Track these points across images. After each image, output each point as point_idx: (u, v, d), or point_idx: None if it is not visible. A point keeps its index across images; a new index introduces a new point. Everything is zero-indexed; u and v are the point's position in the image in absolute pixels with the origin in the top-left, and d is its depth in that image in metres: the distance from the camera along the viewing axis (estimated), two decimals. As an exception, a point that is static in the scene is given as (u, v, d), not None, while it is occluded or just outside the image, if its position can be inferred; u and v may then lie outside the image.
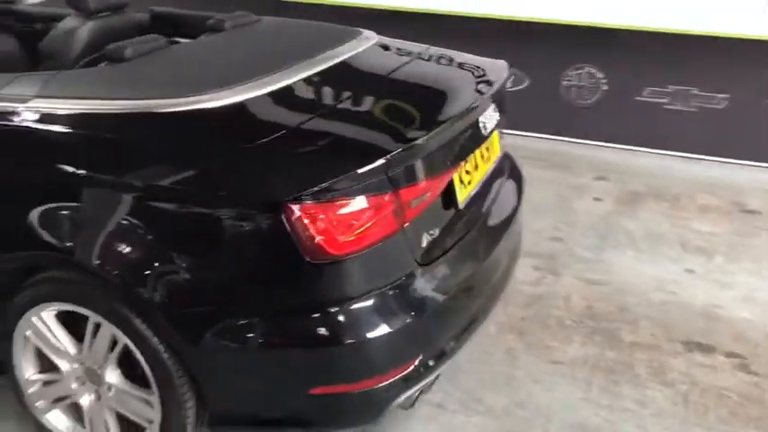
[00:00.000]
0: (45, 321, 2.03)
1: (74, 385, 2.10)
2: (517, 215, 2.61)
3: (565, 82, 4.92)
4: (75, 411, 2.17)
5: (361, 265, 1.81)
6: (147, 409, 2.00)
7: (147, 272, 1.84)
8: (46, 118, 1.98)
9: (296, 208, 1.72)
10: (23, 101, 2.01)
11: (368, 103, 2.21)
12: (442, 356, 2.06)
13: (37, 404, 2.17)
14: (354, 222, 1.77)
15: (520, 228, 2.71)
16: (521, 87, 5.02)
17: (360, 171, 1.76)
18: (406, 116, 2.16)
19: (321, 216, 1.73)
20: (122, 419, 2.09)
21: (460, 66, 2.60)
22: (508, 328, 2.92)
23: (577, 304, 3.11)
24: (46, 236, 1.92)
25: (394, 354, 1.91)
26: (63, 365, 2.09)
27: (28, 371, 2.15)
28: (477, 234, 2.25)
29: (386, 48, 2.67)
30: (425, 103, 2.24)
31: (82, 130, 1.96)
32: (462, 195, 2.16)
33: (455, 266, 2.11)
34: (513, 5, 4.74)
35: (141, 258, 1.85)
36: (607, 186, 4.33)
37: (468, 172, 2.22)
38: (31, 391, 2.16)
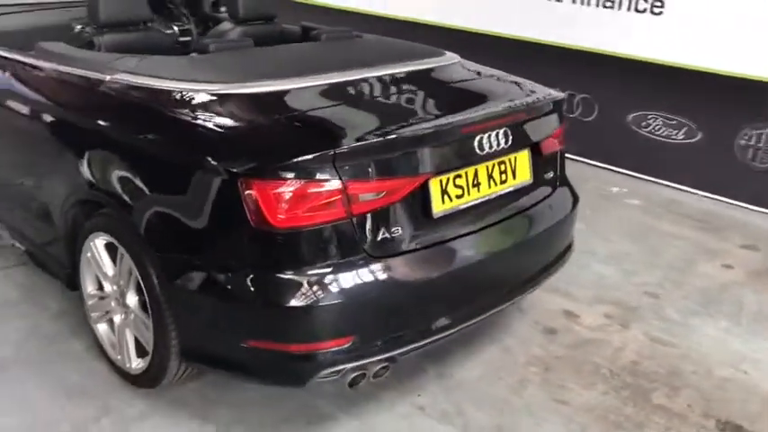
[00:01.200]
0: (98, 247, 2.57)
1: (113, 304, 2.62)
2: (543, 245, 2.64)
3: (741, 141, 4.53)
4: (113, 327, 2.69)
5: (301, 239, 2.06)
6: (147, 333, 2.43)
7: (150, 219, 2.27)
8: (131, 92, 2.50)
9: (247, 181, 2.02)
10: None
11: (369, 106, 2.45)
12: (387, 346, 2.21)
13: (92, 315, 2.73)
14: (296, 201, 2.02)
15: (549, 259, 2.72)
16: (691, 141, 4.73)
17: (303, 159, 2.02)
18: (385, 120, 2.33)
19: (265, 191, 2.01)
20: (139, 342, 2.55)
21: (500, 87, 2.72)
22: (537, 361, 2.89)
23: (625, 357, 2.95)
24: (116, 184, 2.42)
25: (323, 326, 2.12)
26: (107, 286, 2.62)
27: (89, 287, 2.71)
28: (458, 247, 2.35)
29: (447, 67, 2.88)
30: (415, 113, 2.45)
31: (156, 105, 2.44)
32: (440, 206, 2.29)
33: (416, 268, 2.24)
34: (690, 52, 4.52)
35: (149, 209, 2.29)
36: (749, 256, 3.93)
37: (459, 186, 2.34)
38: (89, 303, 2.72)
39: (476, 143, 2.34)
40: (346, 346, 2.14)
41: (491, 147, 2.38)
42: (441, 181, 2.29)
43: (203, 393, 2.59)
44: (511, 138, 2.45)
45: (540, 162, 2.69)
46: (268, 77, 2.45)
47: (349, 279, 2.12)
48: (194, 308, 2.23)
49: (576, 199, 2.94)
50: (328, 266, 2.10)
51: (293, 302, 2.06)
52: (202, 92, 2.35)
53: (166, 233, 2.25)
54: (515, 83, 2.87)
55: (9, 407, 2.51)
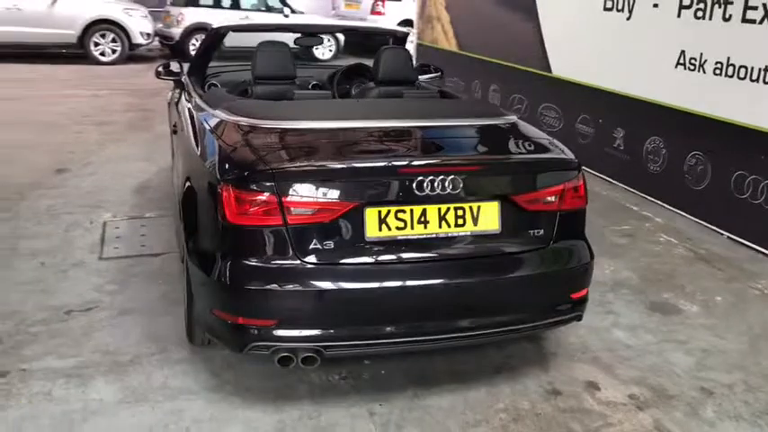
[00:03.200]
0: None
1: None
2: (506, 293, 2.83)
3: None
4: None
5: (246, 235, 2.67)
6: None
7: (186, 209, 3.12)
8: (211, 120, 3.38)
9: (221, 187, 2.72)
10: None
11: (346, 145, 2.96)
12: (308, 338, 2.68)
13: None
14: (244, 205, 2.65)
15: (522, 310, 2.90)
16: None
17: (251, 173, 2.64)
18: (341, 155, 2.85)
19: (229, 195, 2.68)
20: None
21: (498, 143, 3.00)
22: (513, 411, 2.98)
23: (609, 432, 2.86)
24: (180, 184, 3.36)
25: (253, 306, 2.68)
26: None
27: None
28: (392, 270, 2.71)
29: (483, 126, 3.26)
30: (377, 153, 2.92)
31: (213, 130, 3.20)
32: (376, 233, 2.69)
33: (342, 279, 2.68)
34: None
35: (188, 202, 3.15)
36: None
37: (401, 219, 2.71)
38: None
39: (415, 185, 2.68)
40: (271, 327, 2.67)
41: (433, 190, 2.69)
42: (379, 211, 2.69)
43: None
44: (462, 186, 2.73)
45: (519, 215, 2.86)
46: (299, 118, 3.11)
47: (278, 274, 2.66)
48: (194, 281, 2.97)
49: (583, 262, 3.00)
50: (264, 260, 2.67)
51: (234, 282, 2.67)
52: (242, 123, 3.10)
53: (190, 221, 3.06)
54: (531, 142, 3.09)
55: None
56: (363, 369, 3.22)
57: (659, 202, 5.78)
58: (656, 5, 5.74)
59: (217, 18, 14.00)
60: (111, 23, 13.04)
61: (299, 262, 2.66)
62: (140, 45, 13.60)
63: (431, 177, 2.70)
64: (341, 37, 15.29)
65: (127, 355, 3.29)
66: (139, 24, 13.31)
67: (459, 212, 2.78)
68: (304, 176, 2.67)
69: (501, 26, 8.26)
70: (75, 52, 13.13)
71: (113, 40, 13.11)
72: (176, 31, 13.87)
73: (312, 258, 2.67)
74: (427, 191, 2.70)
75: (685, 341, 3.63)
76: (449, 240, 2.80)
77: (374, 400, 3.02)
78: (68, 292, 3.90)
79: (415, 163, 2.78)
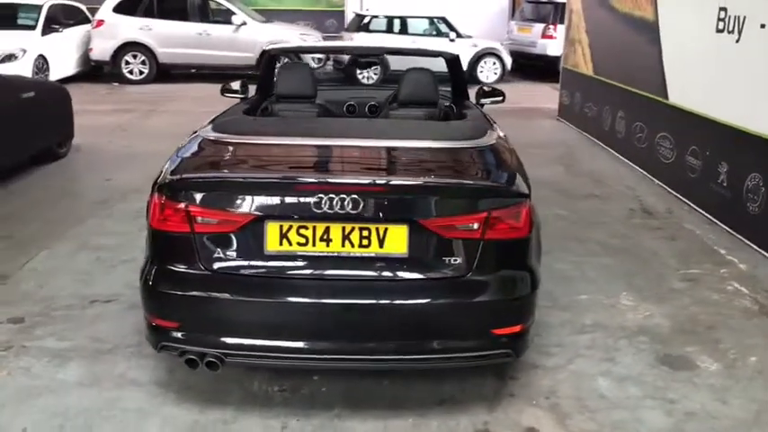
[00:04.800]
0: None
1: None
2: (412, 319, 2.78)
3: None
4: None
5: (161, 239, 2.87)
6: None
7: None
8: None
9: (151, 193, 2.93)
10: None
11: (282, 160, 3.10)
12: (210, 343, 2.79)
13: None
14: (164, 211, 2.83)
15: (434, 339, 2.83)
16: None
17: (166, 181, 2.82)
18: (260, 168, 3.00)
19: (153, 201, 2.88)
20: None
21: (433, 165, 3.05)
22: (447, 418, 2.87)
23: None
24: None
25: (162, 309, 2.85)
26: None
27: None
28: (291, 285, 2.74)
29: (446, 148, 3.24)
30: (301, 168, 2.97)
31: (194, 143, 3.36)
32: (276, 246, 2.74)
33: (241, 289, 2.77)
34: None
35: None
36: None
37: (303, 236, 2.74)
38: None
39: (313, 202, 2.69)
40: (174, 329, 2.82)
41: (332, 208, 2.68)
42: (281, 226, 2.74)
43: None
44: (363, 206, 2.69)
45: (431, 240, 2.75)
46: (259, 133, 3.25)
47: (183, 279, 2.81)
48: None
49: (512, 296, 2.82)
50: (175, 265, 2.83)
51: (151, 284, 2.87)
52: (208, 137, 3.24)
53: None
54: (481, 168, 2.96)
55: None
56: (306, 384, 3.25)
57: (754, 246, 5.10)
58: (763, 26, 5.11)
59: (384, 43, 14.58)
60: (288, 48, 14.08)
61: (202, 269, 2.79)
62: (313, 68, 14.49)
63: (330, 196, 2.70)
64: (507, 60, 15.14)
65: (109, 344, 3.62)
66: (311, 49, 14.21)
67: (365, 233, 2.74)
68: (209, 187, 2.81)
69: (628, 50, 7.79)
70: (255, 73, 14.34)
71: (288, 63, 14.14)
72: (345, 57, 14.62)
73: (214, 266, 2.79)
74: (325, 209, 2.70)
75: (675, 400, 3.22)
76: (352, 261, 2.77)
77: (294, 415, 3.05)
78: (104, 284, 4.35)
79: (313, 180, 2.80)
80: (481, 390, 3.26)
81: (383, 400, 3.15)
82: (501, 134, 3.92)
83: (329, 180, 2.80)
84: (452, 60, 4.93)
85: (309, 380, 3.27)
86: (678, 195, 6.37)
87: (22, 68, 11.95)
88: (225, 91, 4.90)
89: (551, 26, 15.15)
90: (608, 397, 3.25)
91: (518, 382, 3.34)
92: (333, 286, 2.78)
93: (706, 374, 3.46)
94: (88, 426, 2.96)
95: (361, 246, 2.75)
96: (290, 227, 2.75)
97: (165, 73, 13.87)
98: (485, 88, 5.23)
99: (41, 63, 12.51)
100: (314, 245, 2.75)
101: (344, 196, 2.70)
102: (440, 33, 15.11)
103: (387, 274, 2.79)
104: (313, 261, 2.78)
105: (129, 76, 13.74)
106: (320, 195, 2.71)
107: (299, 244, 2.76)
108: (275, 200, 2.79)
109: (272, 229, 2.76)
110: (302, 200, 2.74)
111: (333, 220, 2.73)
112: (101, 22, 13.68)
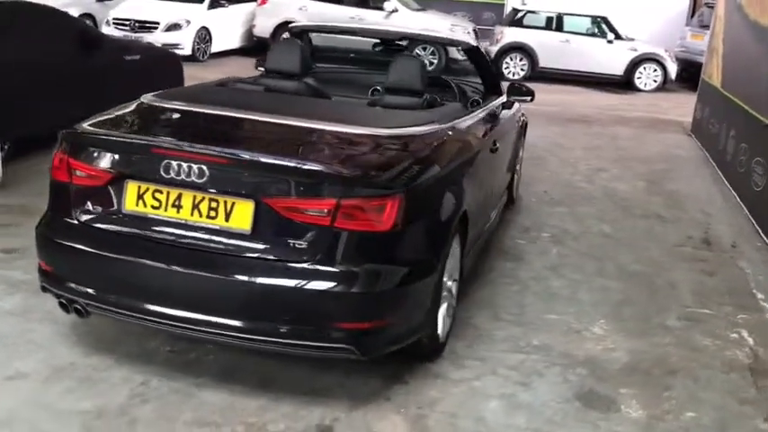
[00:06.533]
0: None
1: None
2: (249, 297, 2.77)
3: None
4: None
5: (55, 190, 3.06)
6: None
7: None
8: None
9: (59, 145, 3.13)
10: None
11: (189, 128, 3.19)
12: (76, 293, 2.94)
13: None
14: (58, 161, 3.00)
15: (267, 320, 2.78)
16: None
17: (62, 134, 2.99)
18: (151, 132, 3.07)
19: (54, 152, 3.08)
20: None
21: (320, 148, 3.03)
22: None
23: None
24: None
25: (42, 251, 3.05)
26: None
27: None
28: (141, 246, 2.81)
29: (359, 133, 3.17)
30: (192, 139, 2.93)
31: None
32: (133, 206, 2.82)
33: (99, 243, 2.89)
34: None
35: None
36: None
37: (157, 199, 2.79)
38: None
39: (163, 166, 2.72)
40: (49, 273, 3.00)
41: (179, 175, 2.70)
42: (139, 187, 2.80)
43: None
44: (208, 177, 2.68)
45: (277, 221, 2.69)
46: (195, 102, 3.34)
47: (57, 227, 2.98)
48: None
49: (361, 290, 2.70)
50: (56, 212, 3.02)
51: (37, 227, 3.08)
52: (146, 101, 3.38)
53: None
54: (373, 157, 2.90)
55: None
56: (197, 349, 3.29)
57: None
58: None
59: (534, 38, 14.12)
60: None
61: (72, 220, 2.94)
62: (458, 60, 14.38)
63: (180, 162, 2.72)
64: (671, 68, 14.00)
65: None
66: (458, 40, 14.06)
67: (213, 204, 2.74)
68: (85, 142, 2.95)
69: (749, 63, 6.90)
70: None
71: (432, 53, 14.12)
72: (493, 49, 14.31)
73: (82, 218, 2.94)
74: (173, 174, 2.73)
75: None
76: (198, 230, 2.77)
77: (162, 375, 3.11)
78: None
79: (166, 145, 2.81)
80: (361, 387, 3.12)
81: (254, 378, 3.13)
82: (461, 129, 3.70)
83: (182, 147, 2.80)
84: (470, 51, 4.70)
85: (204, 347, 3.32)
86: (758, 228, 5.59)
87: (185, 38, 13.07)
88: (258, 65, 5.05)
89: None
90: (487, 421, 2.97)
91: (405, 388, 3.15)
92: (177, 253, 2.80)
93: (618, 420, 3.05)
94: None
95: (208, 216, 2.75)
96: (147, 189, 2.81)
97: (315, 53, 14.45)
98: (515, 85, 4.94)
99: (204, 34, 13.56)
100: (166, 210, 2.79)
101: (193, 165, 2.71)
102: (601, 33, 14.32)
103: (229, 248, 2.76)
104: (164, 225, 2.81)
105: (282, 53, 14.47)
106: (171, 161, 2.74)
107: (153, 207, 2.81)
108: (134, 160, 2.86)
109: (131, 189, 2.83)
110: (157, 163, 2.77)
111: (186, 187, 2.75)
112: (264, 1, 14.51)
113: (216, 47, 13.82)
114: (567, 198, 6.25)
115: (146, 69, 7.33)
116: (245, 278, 2.73)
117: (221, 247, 2.77)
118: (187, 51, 12.91)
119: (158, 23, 12.87)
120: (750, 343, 3.81)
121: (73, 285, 2.95)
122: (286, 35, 4.76)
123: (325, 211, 2.66)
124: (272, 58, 4.22)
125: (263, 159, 2.76)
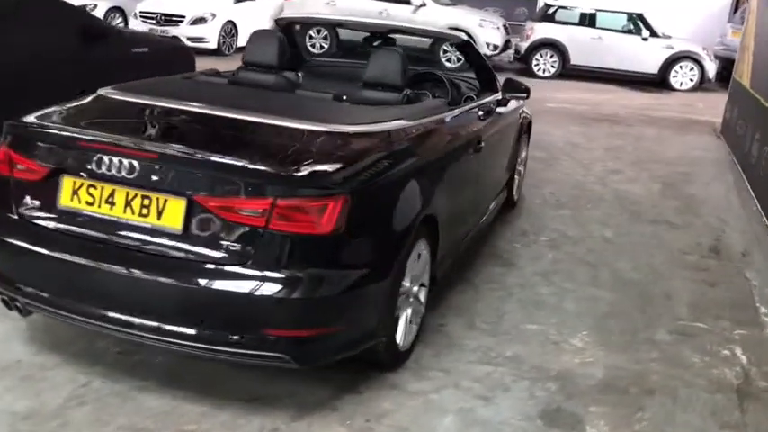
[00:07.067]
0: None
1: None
2: (174, 299, 2.65)
3: None
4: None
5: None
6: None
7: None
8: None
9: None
10: None
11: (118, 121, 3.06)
12: (12, 290, 2.85)
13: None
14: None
15: (186, 322, 2.64)
16: None
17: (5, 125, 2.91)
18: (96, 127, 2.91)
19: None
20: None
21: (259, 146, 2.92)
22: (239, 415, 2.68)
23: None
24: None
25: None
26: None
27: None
28: (73, 244, 2.70)
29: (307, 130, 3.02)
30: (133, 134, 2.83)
31: None
32: (68, 202, 2.72)
33: (34, 239, 2.79)
34: None
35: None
36: None
37: (91, 195, 2.69)
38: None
39: (95, 161, 2.62)
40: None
41: (109, 170, 2.59)
42: (74, 182, 2.70)
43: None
44: (139, 172, 2.57)
45: (209, 221, 2.56)
46: (148, 95, 3.23)
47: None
48: None
49: (295, 296, 2.55)
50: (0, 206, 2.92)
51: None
52: (103, 93, 3.30)
53: None
54: (323, 154, 2.79)
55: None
56: (144, 351, 3.17)
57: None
58: None
59: (565, 34, 13.77)
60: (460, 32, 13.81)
61: (12, 215, 2.85)
62: (486, 56, 14.10)
63: (111, 157, 2.63)
64: (709, 66, 13.51)
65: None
66: (488, 35, 13.79)
67: (146, 202, 2.62)
68: (24, 134, 2.86)
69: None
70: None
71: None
72: (523, 45, 14.00)
73: (21, 212, 2.84)
74: (104, 170, 2.63)
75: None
76: (130, 228, 2.65)
77: (105, 376, 3.02)
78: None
79: (98, 139, 2.69)
80: (308, 397, 2.97)
81: (201, 382, 3.01)
82: (432, 127, 3.52)
83: (113, 141, 2.68)
84: (462, 45, 4.50)
85: (153, 349, 3.20)
86: (773, 237, 5.29)
87: (210, 32, 13.10)
88: None
89: None
90: (436, 429, 2.80)
91: (357, 398, 3.00)
92: (109, 252, 2.69)
93: (580, 442, 2.85)
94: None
95: (141, 214, 2.64)
96: (82, 184, 2.71)
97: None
98: (511, 81, 4.73)
99: (230, 28, 13.57)
100: (99, 206, 2.69)
101: (124, 160, 2.60)
102: (636, 30, 13.88)
103: (160, 248, 2.64)
104: (96, 223, 2.71)
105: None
106: (103, 155, 2.64)
107: (87, 203, 2.71)
108: (69, 155, 2.75)
109: (66, 184, 2.74)
110: (90, 158, 2.67)
111: (119, 183, 2.65)
112: (292, -5, 14.46)
113: (242, 41, 13.80)
114: (573, 201, 6.00)
115: (155, 62, 7.24)
116: (172, 280, 2.60)
117: (152, 246, 2.65)
118: (212, 45, 12.96)
119: (184, 17, 12.92)
120: (742, 361, 3.55)
121: (11, 283, 2.87)
122: (271, 26, 4.63)
123: (260, 211, 2.52)
124: (249, 50, 4.09)
125: (194, 155, 2.63)
